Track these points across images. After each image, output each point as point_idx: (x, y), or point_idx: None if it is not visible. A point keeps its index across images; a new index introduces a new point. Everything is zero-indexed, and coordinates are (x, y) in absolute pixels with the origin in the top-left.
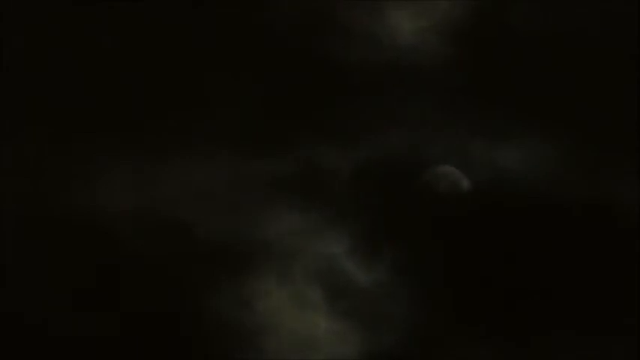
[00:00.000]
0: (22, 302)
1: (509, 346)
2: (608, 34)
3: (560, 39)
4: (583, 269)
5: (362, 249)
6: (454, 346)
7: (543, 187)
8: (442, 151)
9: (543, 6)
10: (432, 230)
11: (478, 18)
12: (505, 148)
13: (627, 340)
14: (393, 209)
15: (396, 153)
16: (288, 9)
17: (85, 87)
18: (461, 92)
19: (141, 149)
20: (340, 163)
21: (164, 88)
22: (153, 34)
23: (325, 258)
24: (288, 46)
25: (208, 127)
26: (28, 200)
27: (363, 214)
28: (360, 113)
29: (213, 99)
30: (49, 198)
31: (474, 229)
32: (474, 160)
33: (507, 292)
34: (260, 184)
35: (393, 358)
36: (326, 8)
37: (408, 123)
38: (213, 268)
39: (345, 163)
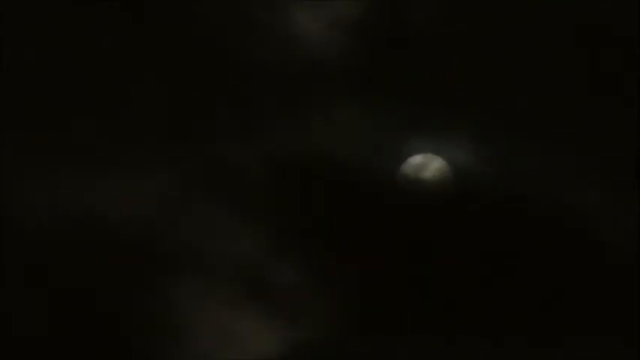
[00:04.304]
0: None
1: (431, 346)
2: (532, 28)
3: (469, 37)
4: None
5: (282, 248)
6: (379, 346)
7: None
8: (365, 149)
9: (453, 5)
10: (354, 229)
11: (386, 14)
12: (422, 144)
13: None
14: (314, 208)
15: (316, 151)
16: (196, 8)
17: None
18: (380, 90)
19: (58, 152)
20: (258, 163)
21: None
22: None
23: (245, 258)
24: (197, 46)
25: (125, 130)
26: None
27: (282, 213)
28: (275, 112)
29: (127, 101)
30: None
31: (404, 226)
32: (400, 158)
33: (425, 290)
34: (179, 185)
35: (317, 356)
36: (232, 7)
37: (328, 121)
38: (132, 270)
39: (264, 162)
